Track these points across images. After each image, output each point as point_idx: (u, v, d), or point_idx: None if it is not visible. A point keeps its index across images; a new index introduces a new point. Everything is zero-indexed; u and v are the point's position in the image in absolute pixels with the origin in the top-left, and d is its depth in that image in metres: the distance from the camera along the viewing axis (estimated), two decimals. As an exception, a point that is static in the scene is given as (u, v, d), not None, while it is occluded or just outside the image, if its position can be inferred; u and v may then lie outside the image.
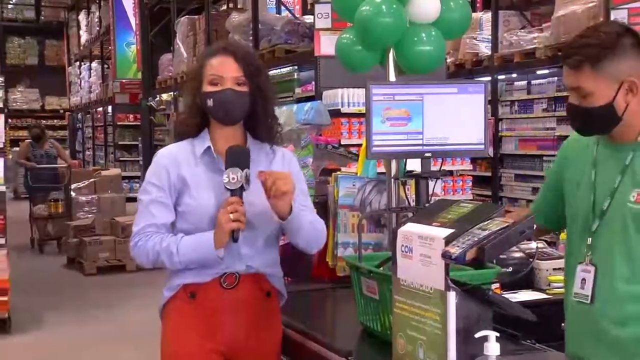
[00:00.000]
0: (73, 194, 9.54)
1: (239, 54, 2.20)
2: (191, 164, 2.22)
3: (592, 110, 1.91)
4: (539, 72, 8.10)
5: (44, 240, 9.89)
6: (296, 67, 7.92)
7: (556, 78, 7.90)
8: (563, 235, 3.61)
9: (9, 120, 18.23)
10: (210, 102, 2.19)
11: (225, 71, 2.18)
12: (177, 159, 2.23)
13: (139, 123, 14.76)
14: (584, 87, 1.90)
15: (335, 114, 5.64)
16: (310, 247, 2.28)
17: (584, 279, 1.95)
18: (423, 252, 1.70)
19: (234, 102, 2.18)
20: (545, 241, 3.97)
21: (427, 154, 2.69)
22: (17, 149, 12.57)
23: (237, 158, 2.13)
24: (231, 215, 2.08)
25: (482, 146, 2.72)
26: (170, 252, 2.16)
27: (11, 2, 22.32)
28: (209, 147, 2.23)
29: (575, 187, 2.03)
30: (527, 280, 2.91)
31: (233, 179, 2.10)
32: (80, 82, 20.16)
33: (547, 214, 2.17)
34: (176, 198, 2.21)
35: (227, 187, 2.11)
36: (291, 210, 2.14)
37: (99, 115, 18.28)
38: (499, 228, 1.64)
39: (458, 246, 1.61)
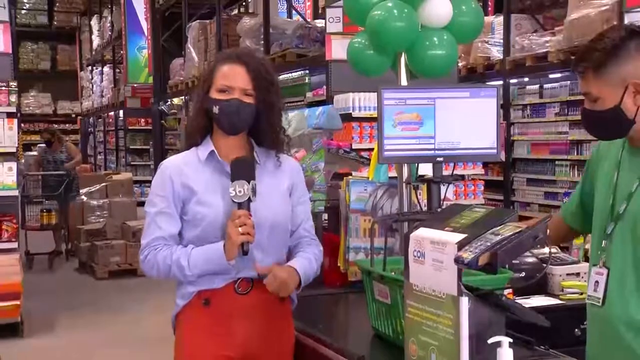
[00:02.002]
0: (84, 198, 9.57)
1: (251, 65, 2.19)
2: (196, 170, 2.22)
3: (601, 114, 1.93)
4: (551, 76, 8.07)
5: (32, 255, 9.09)
6: (307, 72, 7.94)
7: (569, 82, 7.87)
8: (577, 240, 3.60)
9: (22, 125, 18.34)
10: (216, 110, 2.19)
11: (235, 80, 2.18)
12: (181, 168, 2.22)
13: (150, 127, 14.82)
14: (591, 92, 1.93)
15: (347, 118, 5.64)
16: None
17: (597, 282, 1.95)
18: (435, 257, 1.69)
19: (239, 114, 2.18)
20: (559, 246, 3.95)
21: (438, 159, 2.69)
22: (32, 153, 12.49)
23: (242, 170, 2.14)
24: (240, 229, 2.09)
25: (494, 150, 2.72)
26: (181, 265, 2.16)
27: (24, 7, 22.50)
28: (212, 152, 2.23)
29: (600, 188, 2.05)
30: (540, 286, 2.89)
31: (240, 192, 2.11)
32: (92, 86, 20.29)
33: (575, 214, 2.18)
34: (181, 207, 2.21)
35: (234, 200, 2.11)
36: (300, 284, 2.22)
37: (111, 120, 18.36)
38: (511, 233, 1.63)
39: (470, 251, 1.61)
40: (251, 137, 2.28)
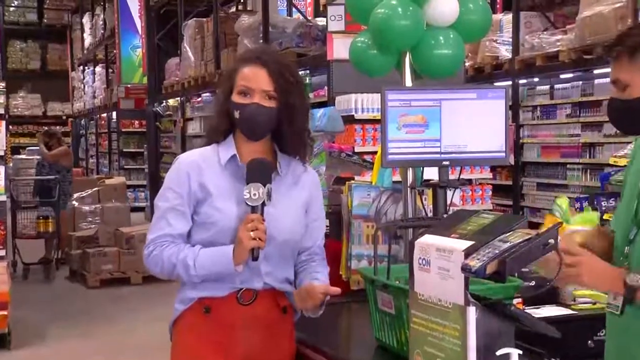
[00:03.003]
0: (76, 203, 9.56)
1: (273, 66, 2.20)
2: (216, 172, 2.23)
3: (630, 104, 1.92)
4: (562, 76, 8.08)
5: (28, 265, 8.87)
6: (308, 72, 7.95)
7: (581, 82, 7.88)
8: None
9: (10, 127, 18.36)
10: (236, 114, 2.20)
11: (255, 82, 2.19)
12: (200, 166, 2.23)
13: (144, 129, 14.83)
14: (622, 78, 1.92)
15: (349, 120, 5.65)
16: None
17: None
18: (441, 265, 1.69)
19: (260, 119, 2.19)
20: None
21: (444, 162, 2.69)
22: (21, 156, 12.34)
23: (258, 173, 2.14)
24: (251, 234, 2.09)
25: (503, 154, 2.72)
26: (187, 264, 2.16)
27: (13, 4, 22.55)
28: (234, 155, 2.24)
29: (625, 190, 2.04)
30: (551, 295, 2.89)
31: (254, 195, 2.11)
32: (84, 87, 20.32)
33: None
34: (194, 207, 2.21)
35: (248, 203, 2.12)
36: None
37: (103, 122, 18.39)
38: (521, 240, 1.63)
39: (478, 259, 1.61)
40: (275, 141, 2.28)
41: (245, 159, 2.21)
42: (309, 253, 2.32)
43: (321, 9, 10.13)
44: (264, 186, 2.12)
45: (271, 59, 2.23)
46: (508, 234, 1.67)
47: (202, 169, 2.22)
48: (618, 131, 2.08)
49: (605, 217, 4.35)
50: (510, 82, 7.95)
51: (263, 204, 2.12)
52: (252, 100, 2.18)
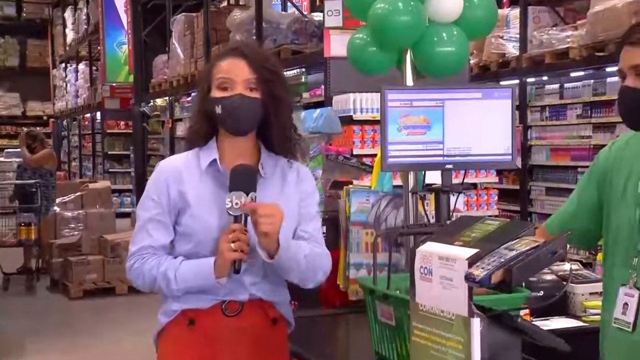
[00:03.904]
0: (57, 209, 9.55)
1: (251, 56, 2.19)
2: (195, 178, 2.22)
3: None
4: (573, 75, 8.10)
5: (8, 275, 8.84)
6: (304, 70, 7.96)
7: (592, 81, 7.89)
8: (600, 256, 3.60)
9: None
10: (218, 109, 2.18)
11: (235, 74, 2.18)
12: (180, 173, 2.23)
13: (130, 131, 14.83)
14: None
15: (347, 121, 5.66)
16: (304, 283, 2.25)
17: (626, 304, 1.95)
18: (444, 275, 1.70)
19: (244, 110, 2.17)
20: (581, 262, 3.96)
21: (448, 166, 2.70)
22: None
23: (242, 180, 2.13)
24: (233, 245, 2.09)
25: (509, 157, 2.73)
26: (168, 278, 2.17)
27: (-10, -3, 22.53)
28: (214, 160, 2.23)
29: (620, 199, 2.03)
30: (561, 306, 2.90)
31: (236, 204, 2.10)
32: (66, 85, 20.29)
33: (578, 229, 2.15)
34: (176, 216, 2.22)
35: (230, 212, 2.11)
36: (277, 248, 2.10)
37: (87, 122, 18.38)
38: (528, 248, 1.64)
39: (482, 268, 1.62)
40: (261, 140, 2.27)
41: (230, 161, 2.20)
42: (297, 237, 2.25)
43: (317, 3, 10.14)
44: (247, 194, 2.11)
45: (250, 49, 2.23)
46: (514, 241, 1.67)
47: (182, 176, 2.22)
48: (631, 130, 2.07)
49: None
50: (517, 81, 7.96)
51: (246, 214, 2.11)
52: (234, 92, 2.17)
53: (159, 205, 2.21)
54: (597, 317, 2.76)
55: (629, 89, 1.95)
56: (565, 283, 2.76)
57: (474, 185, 6.09)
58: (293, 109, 2.32)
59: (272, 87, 2.19)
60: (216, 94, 2.20)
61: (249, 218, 2.12)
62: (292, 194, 2.27)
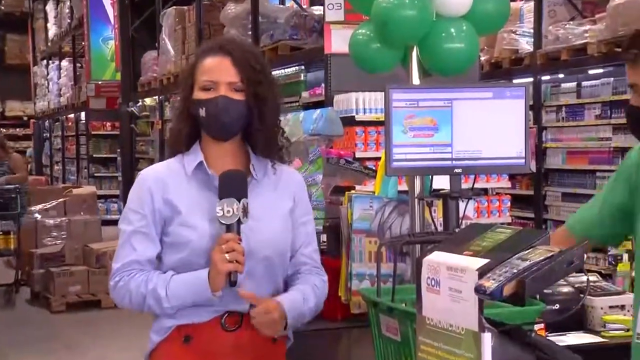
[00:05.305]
0: (38, 216, 9.54)
1: (237, 54, 2.20)
2: (182, 184, 2.22)
3: None
4: (591, 72, 8.11)
5: None
6: (303, 67, 7.97)
7: (612, 79, 7.90)
8: (621, 266, 3.61)
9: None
10: (202, 112, 2.19)
11: (219, 75, 2.19)
12: (164, 181, 2.23)
13: (117, 132, 14.84)
14: None
15: (349, 122, 5.68)
16: None
17: None
18: (452, 286, 1.71)
19: (228, 113, 2.18)
20: (600, 273, 3.96)
21: (456, 170, 2.71)
22: None
23: (232, 186, 2.14)
24: (227, 256, 2.09)
25: (523, 160, 2.74)
26: (158, 296, 2.16)
27: (-34, -11, 22.55)
28: (201, 162, 2.23)
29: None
30: (578, 320, 2.91)
31: (228, 211, 2.11)
32: (48, 84, 20.31)
33: (602, 231, 2.17)
34: (162, 227, 2.22)
35: (222, 221, 2.12)
36: (285, 325, 2.19)
37: (70, 123, 18.38)
38: (542, 258, 1.65)
39: (494, 279, 1.62)
40: (247, 142, 2.28)
41: (215, 165, 2.22)
42: (296, 264, 2.30)
43: (317, -4, 10.15)
44: (239, 201, 2.12)
45: (235, 47, 2.23)
46: (528, 251, 1.68)
47: (166, 184, 2.22)
48: None
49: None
50: (531, 79, 7.98)
51: (239, 222, 2.12)
52: (218, 94, 2.18)
53: (143, 217, 2.21)
54: (618, 333, 2.77)
55: (631, 108, 2.03)
56: (582, 295, 2.77)
57: (485, 191, 6.11)
58: (280, 111, 2.33)
59: (257, 87, 2.20)
60: (199, 95, 2.21)
61: (242, 226, 2.12)
62: (284, 200, 2.28)
